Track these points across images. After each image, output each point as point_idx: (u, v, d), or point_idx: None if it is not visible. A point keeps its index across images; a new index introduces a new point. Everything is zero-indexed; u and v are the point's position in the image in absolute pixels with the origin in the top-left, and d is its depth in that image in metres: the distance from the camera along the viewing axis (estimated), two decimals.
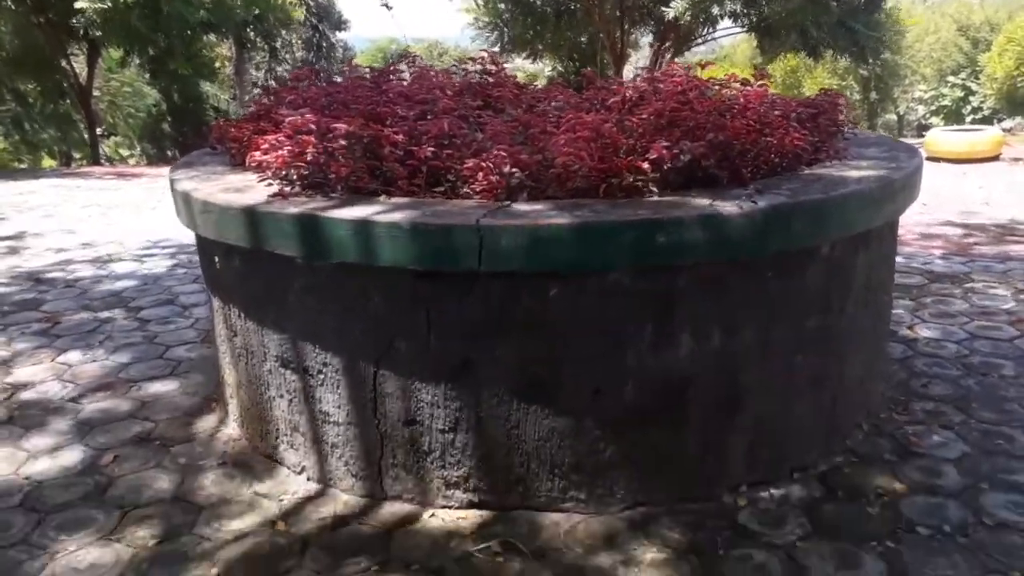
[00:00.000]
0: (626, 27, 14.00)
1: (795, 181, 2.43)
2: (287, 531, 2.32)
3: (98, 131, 17.24)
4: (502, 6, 13.94)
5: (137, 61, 16.65)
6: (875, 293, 2.70)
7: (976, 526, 2.26)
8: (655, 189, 2.30)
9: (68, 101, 16.61)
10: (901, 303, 4.06)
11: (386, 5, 13.08)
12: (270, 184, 2.51)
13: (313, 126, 2.44)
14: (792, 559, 2.14)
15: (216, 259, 2.67)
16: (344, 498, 2.48)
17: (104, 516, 2.41)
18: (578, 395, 2.25)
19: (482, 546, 2.22)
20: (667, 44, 13.89)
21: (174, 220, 3.09)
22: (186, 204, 2.62)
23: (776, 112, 2.67)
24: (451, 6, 15.48)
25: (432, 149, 2.40)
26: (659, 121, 2.44)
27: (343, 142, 2.39)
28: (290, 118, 2.52)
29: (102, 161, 16.63)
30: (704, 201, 2.20)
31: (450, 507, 2.39)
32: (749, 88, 2.90)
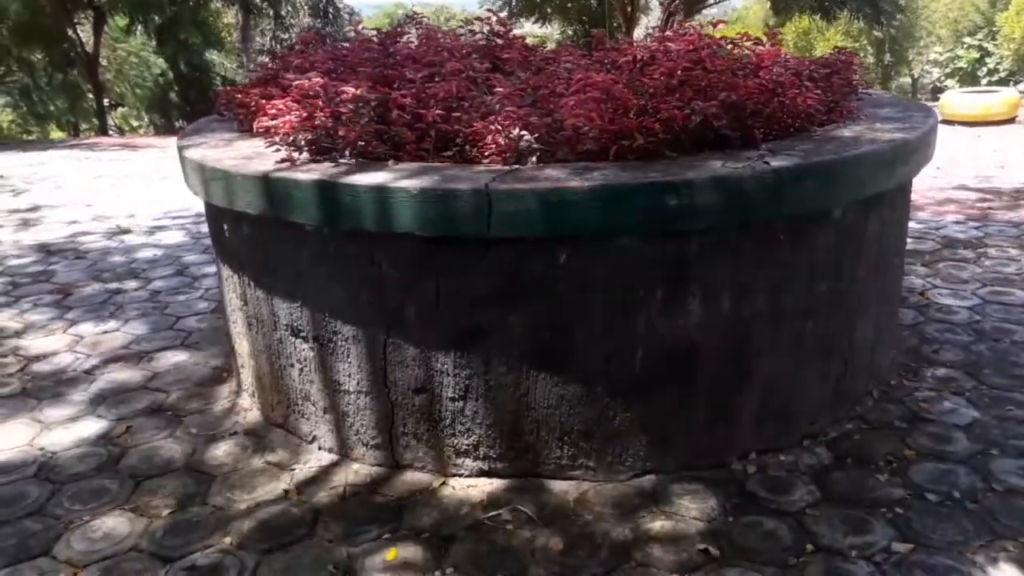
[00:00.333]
0: None
1: (808, 142, 2.39)
2: (300, 500, 2.33)
3: (106, 102, 17.20)
4: None
5: (143, 29, 16.53)
6: (887, 258, 2.67)
7: (986, 492, 2.25)
8: (666, 151, 2.27)
9: (76, 71, 16.55)
10: (913, 269, 4.02)
11: None
12: (278, 150, 2.49)
13: (320, 90, 2.42)
14: (801, 526, 2.14)
15: (225, 227, 2.66)
16: (356, 467, 2.49)
17: (118, 486, 2.43)
18: (588, 362, 2.24)
19: (492, 513, 2.23)
20: (676, 1, 13.66)
21: (183, 191, 3.08)
22: (195, 171, 2.61)
23: (789, 72, 2.63)
24: None
25: (440, 112, 2.37)
26: (670, 81, 2.40)
27: (351, 106, 2.37)
28: (297, 82, 2.50)
29: (110, 132, 16.61)
30: (716, 163, 2.17)
31: (461, 475, 2.40)
32: (762, 47, 2.84)
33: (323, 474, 2.47)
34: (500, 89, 2.45)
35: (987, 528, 2.10)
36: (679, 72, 2.45)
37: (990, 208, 5.36)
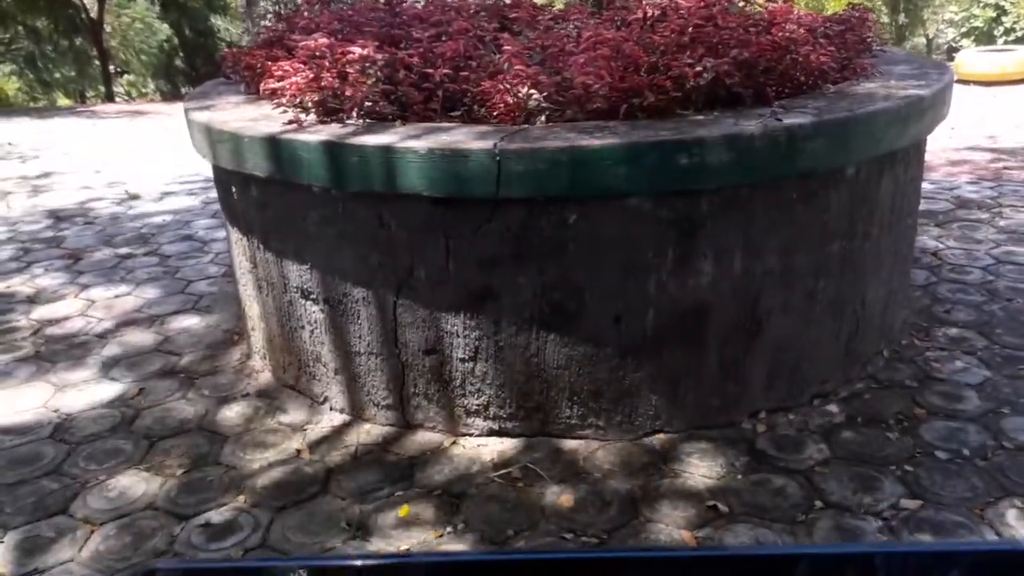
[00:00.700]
0: None
1: (821, 99, 2.36)
2: (312, 460, 2.36)
3: (111, 68, 17.10)
4: None
5: None
6: (900, 218, 2.65)
7: (996, 450, 2.26)
8: (677, 109, 2.24)
9: (81, 38, 16.43)
10: (926, 229, 3.98)
11: None
12: (285, 111, 2.47)
13: (326, 50, 2.39)
14: (810, 483, 2.15)
15: (233, 190, 2.66)
16: (367, 427, 2.51)
17: (133, 447, 2.46)
18: (598, 322, 2.24)
19: (503, 472, 2.25)
20: None
21: (191, 156, 3.07)
22: (202, 134, 2.60)
23: (802, 28, 2.58)
24: None
25: (448, 72, 2.35)
26: (681, 38, 2.36)
27: (357, 66, 2.34)
28: (303, 43, 2.47)
29: (117, 99, 16.55)
30: (728, 121, 2.14)
31: (471, 435, 2.42)
32: (774, 4, 2.79)
33: (335, 434, 2.49)
34: (508, 48, 2.42)
35: (996, 485, 2.11)
36: (690, 29, 2.41)
37: (1005, 168, 5.29)
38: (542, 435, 2.39)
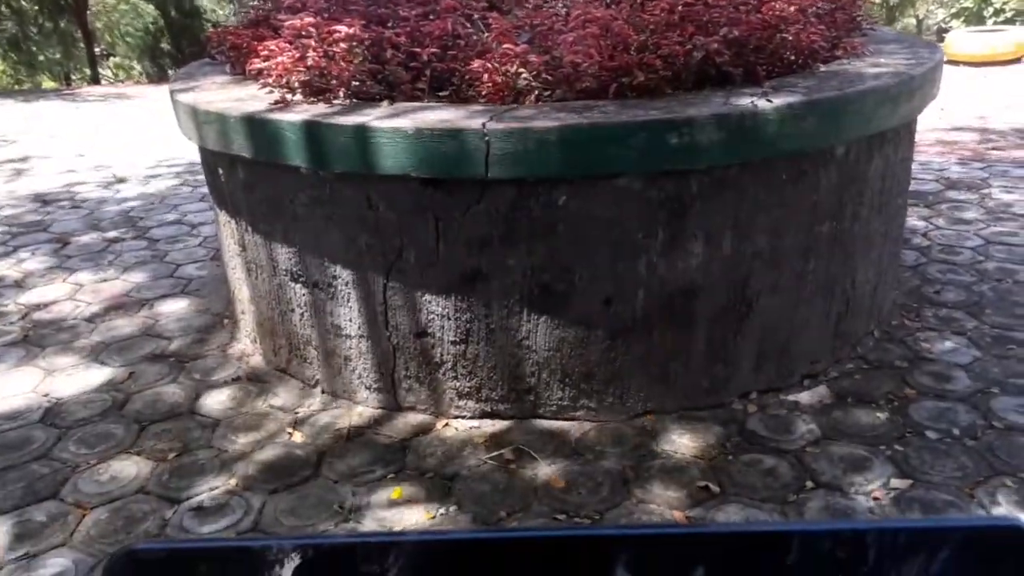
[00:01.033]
0: None
1: (811, 79, 2.35)
2: (304, 442, 2.36)
3: (97, 50, 16.90)
4: None
5: None
6: (890, 198, 2.65)
7: (985, 429, 2.27)
8: (667, 88, 2.23)
9: (66, 19, 16.22)
10: (916, 209, 3.99)
11: None
12: (271, 92, 2.45)
13: (313, 29, 2.36)
14: (801, 463, 2.16)
15: (220, 172, 2.63)
16: (358, 410, 2.51)
17: (123, 431, 2.45)
18: (588, 304, 2.24)
19: (495, 453, 2.25)
20: None
21: (178, 139, 3.04)
22: (187, 115, 2.57)
23: (792, 7, 2.56)
24: None
25: (435, 51, 2.33)
26: (671, 17, 2.34)
27: (344, 45, 2.32)
28: (289, 22, 2.44)
29: (102, 81, 16.37)
30: (718, 100, 2.13)
31: (463, 417, 2.41)
32: None
33: (326, 417, 2.49)
34: (497, 26, 2.40)
35: (986, 464, 2.12)
36: (680, 7, 2.39)
37: (994, 148, 5.30)
38: (534, 417, 2.39)
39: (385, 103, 2.28)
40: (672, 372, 2.36)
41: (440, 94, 2.34)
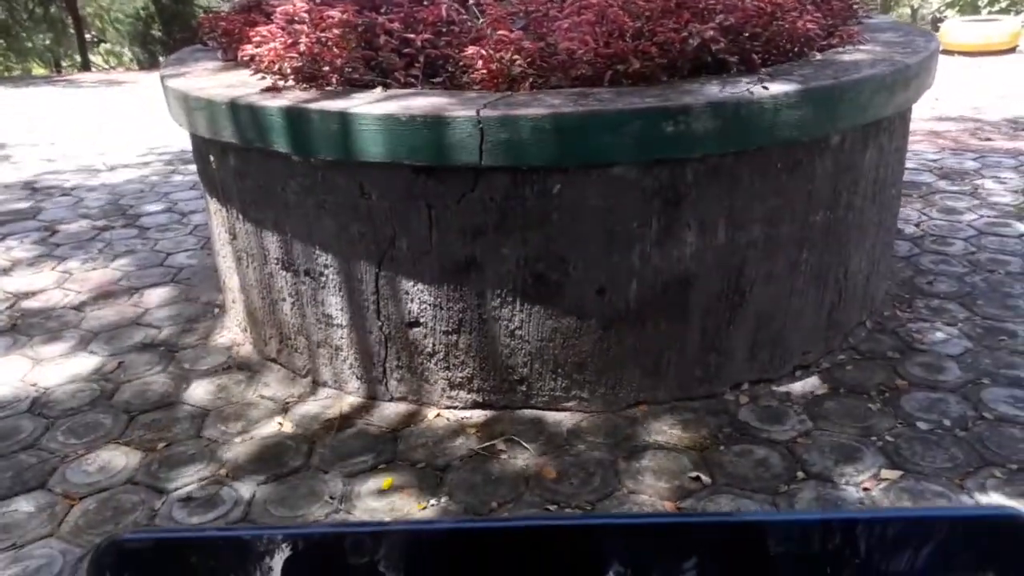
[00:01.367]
0: None
1: (807, 67, 2.33)
2: (294, 432, 2.34)
3: (88, 37, 16.76)
4: None
5: None
6: (884, 188, 2.64)
7: (976, 420, 2.27)
8: (663, 76, 2.21)
9: (55, 5, 16.07)
10: (909, 200, 3.99)
11: None
12: (263, 78, 2.42)
13: (305, 15, 2.34)
14: (792, 454, 2.16)
15: (211, 159, 2.61)
16: (350, 400, 2.50)
17: (112, 421, 2.43)
18: (582, 294, 2.23)
19: (487, 444, 2.24)
20: None
21: (169, 126, 3.01)
22: (178, 102, 2.54)
23: None
24: None
25: (429, 36, 2.30)
26: (667, 3, 2.32)
27: (336, 31, 2.29)
28: (281, 7, 2.41)
29: (93, 68, 16.24)
30: (713, 88, 2.11)
31: (455, 407, 2.40)
32: None
33: (317, 406, 2.47)
34: (491, 12, 2.37)
35: (976, 455, 2.13)
36: None
37: (988, 139, 5.30)
38: (526, 407, 2.38)
39: (378, 89, 2.26)
40: (665, 362, 2.35)
41: (434, 81, 2.31)
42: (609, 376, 2.33)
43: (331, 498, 2.06)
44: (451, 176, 2.11)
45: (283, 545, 0.50)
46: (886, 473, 2.07)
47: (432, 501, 2.04)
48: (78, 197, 4.68)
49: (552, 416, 2.35)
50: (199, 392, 2.57)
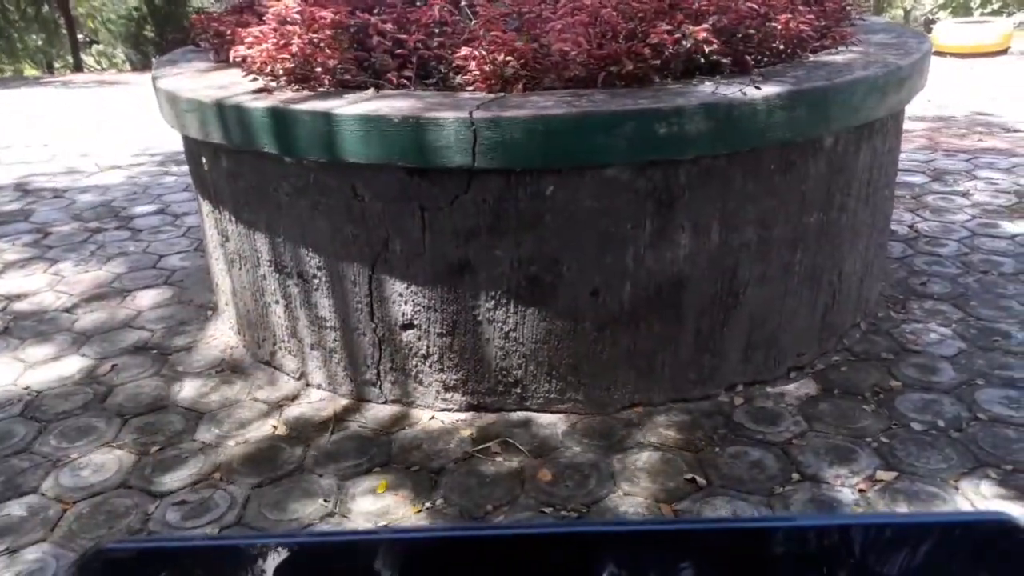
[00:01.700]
0: None
1: (800, 68, 2.33)
2: (287, 435, 2.33)
3: (80, 37, 16.71)
4: None
5: None
6: (877, 189, 2.64)
7: (970, 421, 2.28)
8: (656, 77, 2.21)
9: (48, 6, 16.02)
10: (902, 201, 4.00)
11: None
12: (255, 79, 2.41)
13: (297, 15, 2.33)
14: (787, 455, 2.16)
15: (203, 161, 2.60)
16: (344, 402, 2.49)
17: (105, 424, 2.42)
18: (575, 296, 2.22)
19: (481, 447, 2.23)
20: None
21: (161, 128, 3.00)
22: (169, 103, 2.53)
23: None
24: None
25: (422, 38, 2.30)
26: (660, 4, 2.32)
27: (329, 32, 2.28)
28: (273, 8, 2.41)
29: (85, 69, 16.20)
30: (706, 89, 2.11)
31: (449, 409, 2.40)
32: None
33: (311, 409, 2.46)
34: (484, 13, 2.37)
35: (970, 456, 2.13)
36: None
37: (980, 140, 5.32)
38: (521, 410, 2.37)
39: (371, 91, 2.25)
40: (659, 364, 2.35)
41: (427, 82, 2.31)
42: (603, 378, 2.33)
43: (325, 501, 2.05)
44: (444, 178, 2.11)
45: (271, 554, 0.50)
46: (881, 474, 2.07)
47: (427, 504, 2.03)
48: (70, 199, 4.66)
49: (546, 418, 2.35)
50: (192, 395, 2.56)
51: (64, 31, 16.30)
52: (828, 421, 2.30)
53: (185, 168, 4.11)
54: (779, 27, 2.38)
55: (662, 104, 2.01)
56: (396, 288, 2.27)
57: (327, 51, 2.28)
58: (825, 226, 2.42)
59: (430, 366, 2.36)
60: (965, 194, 4.16)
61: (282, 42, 2.32)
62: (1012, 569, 0.49)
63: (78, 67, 15.66)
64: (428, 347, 2.33)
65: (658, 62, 2.19)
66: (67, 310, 3.20)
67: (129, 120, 7.00)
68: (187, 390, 2.59)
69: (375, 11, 2.47)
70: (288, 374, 2.64)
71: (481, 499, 2.04)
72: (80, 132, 6.60)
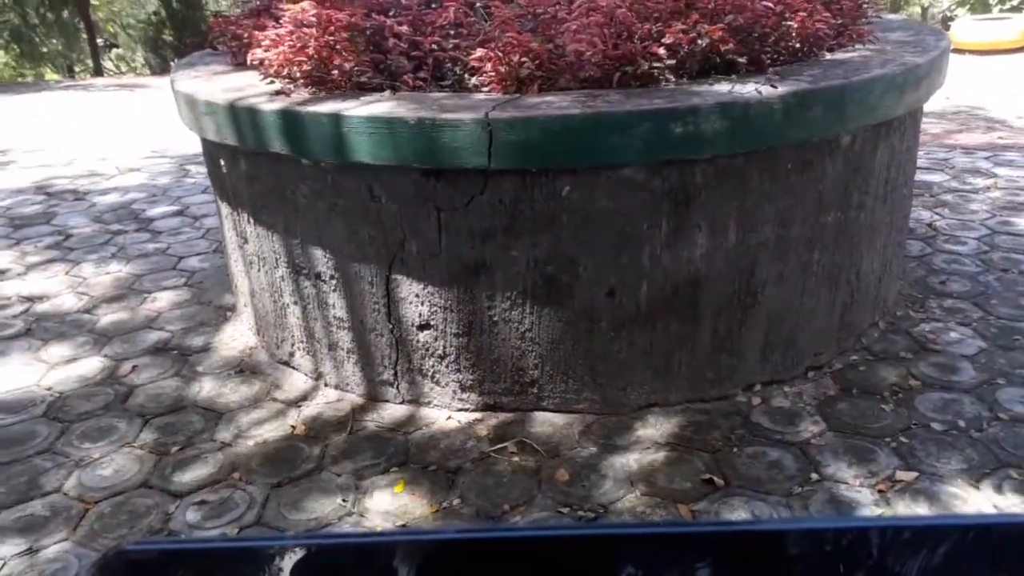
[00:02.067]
0: None
1: (816, 67, 2.32)
2: (306, 435, 2.35)
3: (100, 42, 16.89)
4: None
5: None
6: (895, 187, 2.62)
7: (991, 421, 2.25)
8: (671, 77, 2.21)
9: (68, 10, 16.20)
10: (921, 199, 3.97)
11: None
12: (272, 82, 2.43)
13: (314, 18, 2.35)
14: (806, 455, 2.15)
15: (222, 163, 2.62)
16: (361, 402, 2.50)
17: (126, 424, 2.45)
18: (592, 296, 2.22)
19: (498, 446, 2.24)
20: None
21: (180, 131, 3.03)
22: (187, 106, 2.55)
23: None
24: None
25: (438, 39, 2.31)
26: (676, 4, 2.32)
27: (345, 34, 2.30)
28: (290, 11, 2.42)
29: (105, 73, 16.37)
30: (722, 88, 2.11)
31: (466, 409, 2.41)
32: None
33: (329, 410, 2.48)
34: (499, 15, 2.37)
35: (992, 456, 2.11)
36: None
37: (1000, 138, 5.27)
38: (537, 410, 2.38)
39: (387, 93, 2.26)
40: (676, 364, 2.35)
41: (442, 84, 2.32)
42: (620, 378, 2.33)
43: (343, 500, 2.06)
44: (460, 179, 2.11)
45: (288, 554, 0.51)
46: (901, 475, 2.06)
47: (444, 504, 2.04)
48: (91, 201, 4.71)
49: (564, 418, 2.35)
50: (211, 395, 2.58)
51: (84, 35, 16.48)
52: (847, 421, 2.28)
53: (204, 170, 4.14)
54: (795, 26, 2.37)
55: (678, 104, 2.01)
56: (412, 289, 2.29)
57: (343, 53, 2.30)
58: (843, 225, 2.41)
59: (446, 366, 2.37)
60: (984, 191, 4.12)
61: (299, 45, 2.34)
62: None
63: (98, 71, 15.83)
64: (444, 347, 2.34)
65: (673, 62, 2.19)
66: (88, 311, 3.23)
67: (148, 123, 7.07)
68: (206, 390, 2.61)
69: (391, 13, 2.49)
70: (306, 374, 2.66)
71: (498, 499, 2.05)
72: (100, 135, 6.67)
